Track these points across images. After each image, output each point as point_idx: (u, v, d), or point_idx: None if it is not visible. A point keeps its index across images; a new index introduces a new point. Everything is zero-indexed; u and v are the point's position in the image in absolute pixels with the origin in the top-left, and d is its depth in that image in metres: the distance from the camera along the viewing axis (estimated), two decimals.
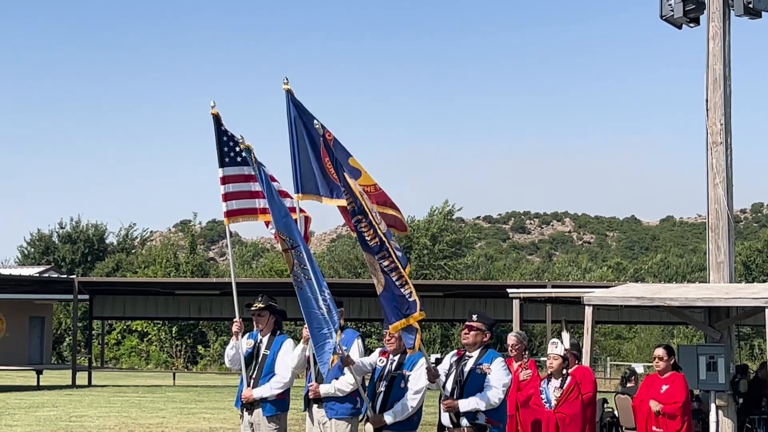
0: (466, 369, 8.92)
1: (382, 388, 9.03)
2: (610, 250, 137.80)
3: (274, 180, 10.07)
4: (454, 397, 8.83)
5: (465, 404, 8.73)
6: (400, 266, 8.36)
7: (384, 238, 8.45)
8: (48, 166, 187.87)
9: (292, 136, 9.74)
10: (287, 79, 9.69)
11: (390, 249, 8.40)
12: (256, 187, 10.28)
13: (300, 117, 9.72)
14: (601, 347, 53.24)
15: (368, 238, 8.43)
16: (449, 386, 8.91)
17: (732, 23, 15.30)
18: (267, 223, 10.35)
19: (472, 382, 8.82)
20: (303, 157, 9.76)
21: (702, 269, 63.40)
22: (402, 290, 8.30)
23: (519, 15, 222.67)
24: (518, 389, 11.44)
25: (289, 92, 9.73)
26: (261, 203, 10.35)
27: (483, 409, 8.70)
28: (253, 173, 10.12)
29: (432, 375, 8.64)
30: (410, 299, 8.30)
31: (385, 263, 8.37)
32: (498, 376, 8.81)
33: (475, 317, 9.09)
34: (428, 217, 64.01)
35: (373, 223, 8.46)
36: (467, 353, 9.04)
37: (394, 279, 8.32)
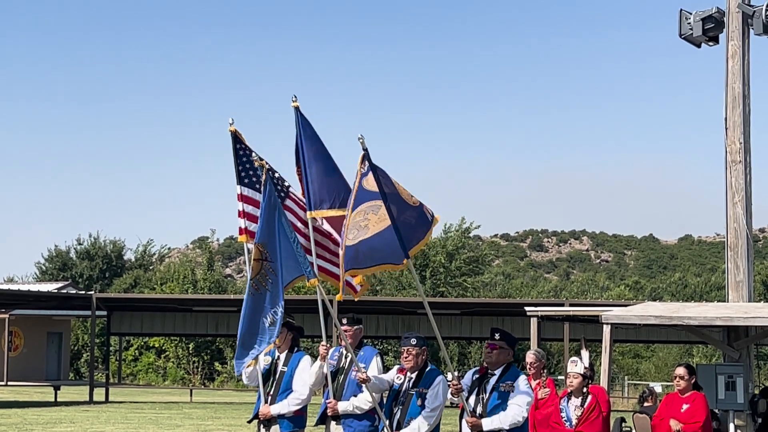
0: (489, 387, 8.93)
1: (399, 406, 9.03)
2: (628, 268, 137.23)
3: (293, 199, 10.02)
4: (477, 414, 8.83)
5: (488, 423, 8.74)
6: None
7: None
8: (66, 182, 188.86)
9: (301, 154, 9.75)
10: (296, 97, 9.77)
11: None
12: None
13: (310, 135, 9.73)
14: (619, 366, 52.98)
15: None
16: (471, 404, 8.92)
17: (751, 42, 15.30)
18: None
19: (495, 400, 8.84)
20: (313, 175, 9.72)
21: (720, 288, 63.07)
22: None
23: (538, 32, 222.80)
24: (536, 407, 11.40)
25: (297, 109, 9.77)
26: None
27: (506, 427, 8.71)
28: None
29: (457, 389, 8.66)
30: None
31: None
32: (521, 394, 8.83)
33: (497, 336, 9.09)
34: (444, 234, 63.84)
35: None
36: (490, 371, 9.05)
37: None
